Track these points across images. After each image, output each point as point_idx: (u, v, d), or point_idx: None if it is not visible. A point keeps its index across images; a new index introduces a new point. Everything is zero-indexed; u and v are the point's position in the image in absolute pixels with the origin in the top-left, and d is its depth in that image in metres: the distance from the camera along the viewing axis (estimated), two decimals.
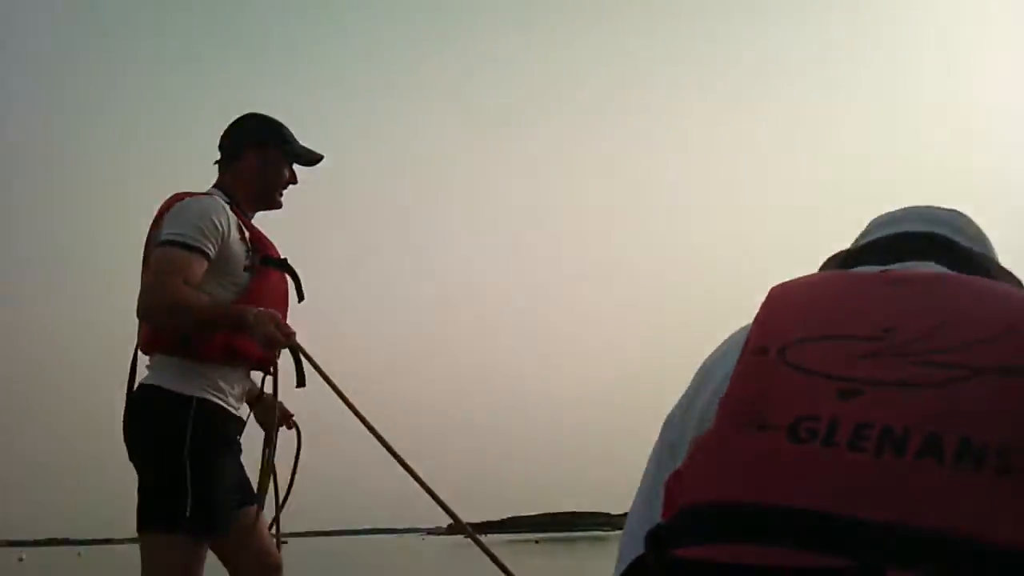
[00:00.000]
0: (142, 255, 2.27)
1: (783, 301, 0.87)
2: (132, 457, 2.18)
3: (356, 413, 2.34)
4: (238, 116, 2.42)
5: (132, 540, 2.34)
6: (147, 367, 2.22)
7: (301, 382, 2.35)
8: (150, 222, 2.29)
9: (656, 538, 0.74)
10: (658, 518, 0.78)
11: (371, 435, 2.35)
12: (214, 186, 2.35)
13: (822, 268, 1.01)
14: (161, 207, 2.25)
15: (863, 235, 1.03)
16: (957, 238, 0.96)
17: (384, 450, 2.34)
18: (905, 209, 1.02)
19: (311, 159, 2.44)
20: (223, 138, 2.39)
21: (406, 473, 2.37)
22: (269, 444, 2.39)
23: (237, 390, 2.25)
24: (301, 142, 2.47)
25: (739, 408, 0.76)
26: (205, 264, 2.14)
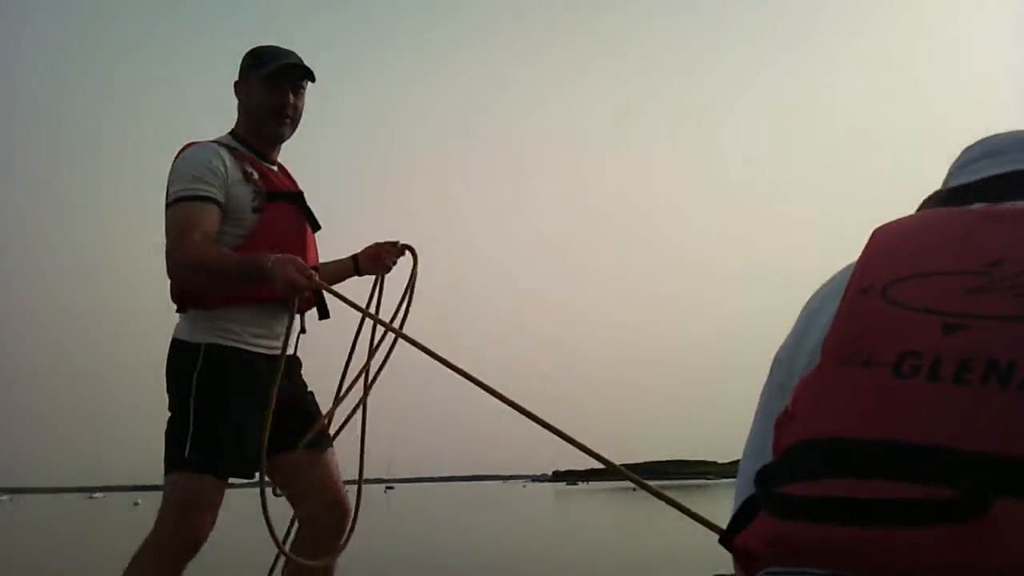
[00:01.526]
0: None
1: (886, 240, 0.85)
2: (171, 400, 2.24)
3: (452, 366, 2.07)
4: None
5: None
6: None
7: (324, 314, 2.36)
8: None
9: (765, 477, 0.75)
10: (770, 457, 0.79)
11: (467, 381, 2.05)
12: (228, 133, 2.32)
13: (920, 208, 0.97)
14: (175, 157, 2.24)
15: (960, 165, 0.97)
16: None
17: (478, 394, 2.01)
18: (1003, 137, 0.95)
19: (280, 69, 2.27)
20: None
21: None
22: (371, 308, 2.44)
23: (257, 328, 2.23)
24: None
25: (843, 346, 0.76)
26: (215, 209, 2.13)
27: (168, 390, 2.23)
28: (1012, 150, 0.93)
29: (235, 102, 2.34)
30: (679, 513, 1.63)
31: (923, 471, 0.65)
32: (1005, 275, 0.74)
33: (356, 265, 2.55)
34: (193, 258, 2.09)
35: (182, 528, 2.10)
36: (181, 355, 2.19)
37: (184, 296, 2.20)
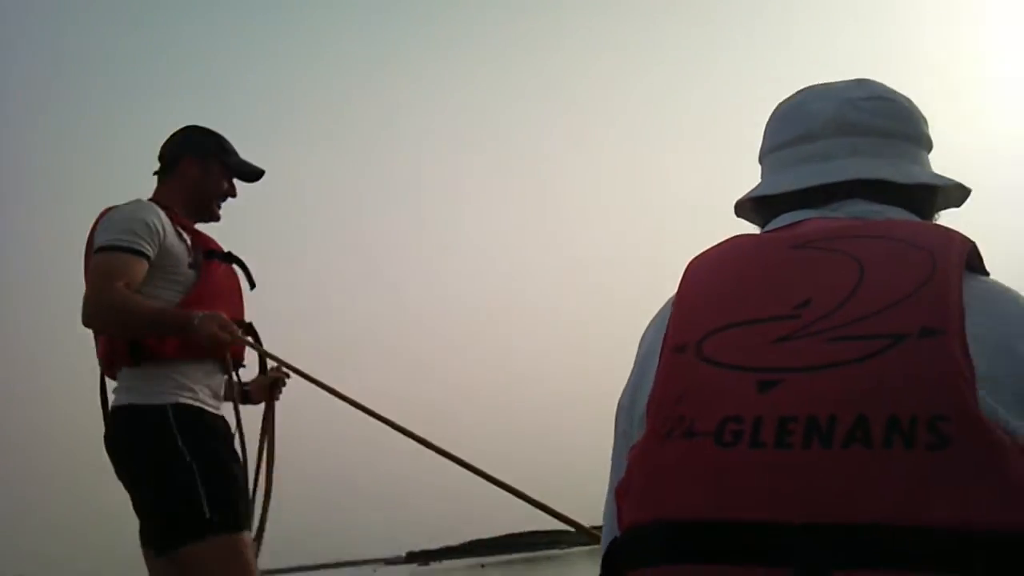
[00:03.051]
0: (83, 271, 2.19)
1: (699, 280, 0.85)
2: (124, 478, 2.13)
3: (360, 405, 2.22)
4: (178, 128, 2.38)
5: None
6: (114, 391, 2.18)
7: (263, 369, 2.39)
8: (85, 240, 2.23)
9: (610, 561, 0.76)
10: (615, 528, 0.79)
11: (379, 424, 2.17)
12: (150, 198, 2.30)
13: (737, 209, 1.00)
14: (92, 225, 2.22)
15: (775, 146, 0.96)
16: (880, 157, 0.90)
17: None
18: (814, 106, 0.93)
19: (252, 172, 2.40)
20: (163, 148, 2.36)
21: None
22: (267, 427, 2.41)
23: (209, 388, 2.19)
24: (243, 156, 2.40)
25: (665, 412, 0.75)
26: (144, 264, 2.09)
27: (135, 463, 2.13)
28: (823, 134, 0.93)
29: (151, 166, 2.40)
30: None
31: (757, 552, 0.65)
32: (813, 317, 0.73)
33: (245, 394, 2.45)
34: (116, 301, 2.04)
35: None
36: (147, 420, 2.11)
37: (136, 348, 2.11)
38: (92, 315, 2.07)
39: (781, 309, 0.75)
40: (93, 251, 2.13)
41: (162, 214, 2.19)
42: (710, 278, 0.85)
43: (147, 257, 2.10)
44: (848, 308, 0.72)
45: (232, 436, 2.23)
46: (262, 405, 2.47)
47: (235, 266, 2.37)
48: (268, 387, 2.43)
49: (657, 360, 0.81)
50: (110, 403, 2.19)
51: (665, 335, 0.81)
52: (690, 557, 0.68)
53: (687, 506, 0.70)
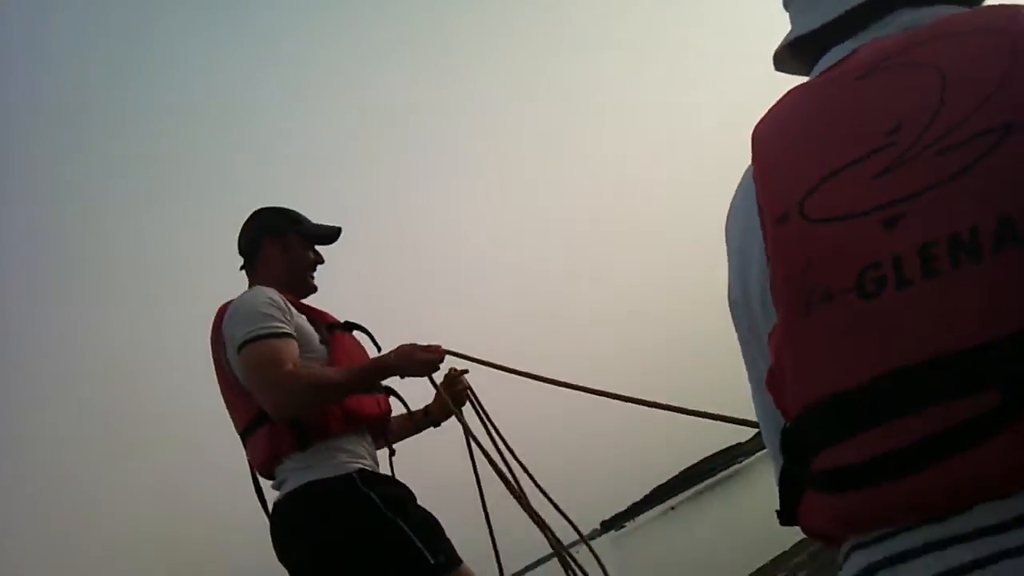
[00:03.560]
0: (217, 378, 2.15)
1: (772, 144, 0.80)
2: (312, 560, 2.01)
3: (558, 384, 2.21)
4: (247, 217, 2.36)
5: None
6: (275, 484, 2.09)
7: (459, 404, 2.32)
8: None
9: (792, 452, 0.72)
10: (780, 419, 0.75)
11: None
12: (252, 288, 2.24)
13: (777, 63, 0.93)
14: (213, 324, 2.16)
15: None
16: None
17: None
18: None
19: (330, 234, 2.38)
20: (240, 241, 2.34)
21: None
22: (469, 432, 2.31)
23: (372, 456, 2.15)
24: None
25: (794, 289, 0.71)
26: (295, 344, 2.04)
27: (334, 532, 1.97)
28: None
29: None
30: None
31: (943, 389, 0.61)
32: (910, 139, 0.68)
33: (428, 415, 2.40)
34: (303, 379, 1.96)
35: None
36: (337, 490, 1.98)
37: (303, 433, 2.00)
38: (286, 403, 1.96)
39: (873, 142, 0.70)
40: (236, 348, 2.02)
41: (280, 297, 2.13)
42: (783, 139, 0.79)
43: (293, 337, 2.05)
44: (943, 117, 0.67)
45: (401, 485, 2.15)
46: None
47: (356, 332, 2.33)
48: (451, 390, 2.31)
49: (760, 240, 0.76)
50: (278, 494, 2.07)
51: (760, 211, 0.76)
52: (879, 418, 0.63)
53: (853, 370, 0.65)
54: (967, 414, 0.60)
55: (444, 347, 2.20)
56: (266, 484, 2.14)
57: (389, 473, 2.18)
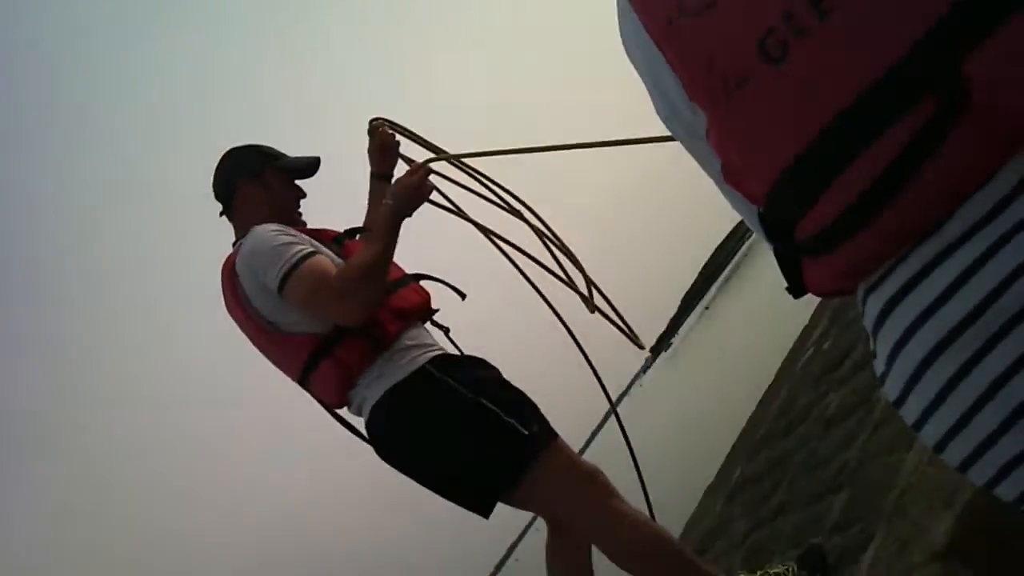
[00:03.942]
0: (252, 341, 2.08)
1: None
2: (412, 461, 2.02)
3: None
4: (219, 160, 2.24)
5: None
6: (355, 409, 2.07)
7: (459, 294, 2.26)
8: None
9: (776, 230, 0.73)
10: (753, 207, 0.76)
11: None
12: (236, 240, 2.15)
13: None
14: (224, 287, 2.08)
15: None
16: None
17: None
18: None
19: (309, 166, 2.26)
20: (214, 187, 2.22)
21: None
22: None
23: (434, 341, 2.11)
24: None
25: (708, 84, 0.71)
26: (324, 256, 2.00)
27: (425, 427, 1.96)
28: None
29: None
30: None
31: (885, 114, 0.61)
32: None
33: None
34: (358, 272, 1.93)
35: (613, 496, 1.92)
36: (416, 386, 1.96)
37: (374, 342, 1.97)
38: (356, 306, 1.93)
39: None
40: (277, 291, 1.94)
41: (280, 225, 2.06)
42: None
43: (319, 251, 2.00)
44: None
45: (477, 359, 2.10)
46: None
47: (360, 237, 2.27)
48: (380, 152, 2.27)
49: (659, 55, 0.76)
50: (364, 416, 2.03)
51: (646, 30, 0.76)
52: (839, 166, 0.63)
53: (798, 133, 0.65)
54: (916, 126, 0.60)
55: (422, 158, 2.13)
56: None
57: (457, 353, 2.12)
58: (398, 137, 2.35)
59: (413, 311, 2.09)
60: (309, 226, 2.22)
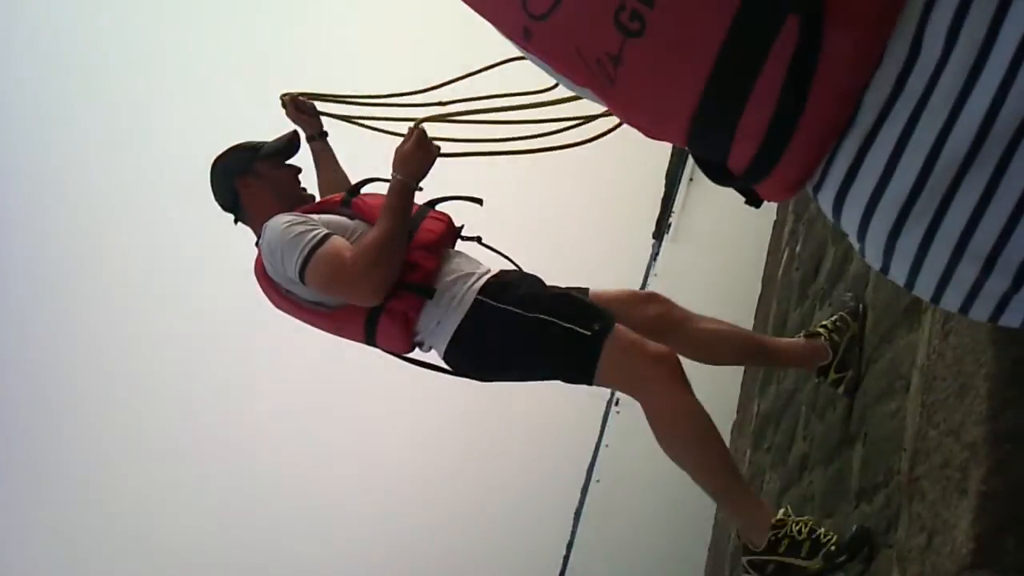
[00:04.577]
0: (313, 326, 2.15)
1: None
2: (505, 377, 2.14)
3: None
4: (210, 175, 2.29)
5: None
6: (427, 348, 2.14)
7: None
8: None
9: (711, 172, 0.75)
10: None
11: None
12: (257, 239, 2.15)
13: None
14: (260, 283, 2.14)
15: None
16: None
17: None
18: None
19: (288, 143, 2.31)
20: (216, 198, 2.29)
21: None
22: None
23: (473, 264, 2.14)
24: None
25: (589, 74, 0.73)
26: (338, 237, 2.01)
27: (502, 353, 2.04)
28: None
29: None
30: None
31: (760, 35, 0.63)
32: None
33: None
34: (370, 252, 1.94)
35: (667, 358, 1.96)
36: (477, 321, 2.02)
37: (421, 290, 2.02)
38: (373, 288, 1.95)
39: None
40: (300, 282, 1.99)
41: (290, 214, 2.07)
42: None
43: (332, 233, 2.01)
44: None
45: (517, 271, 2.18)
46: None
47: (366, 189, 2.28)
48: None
49: (537, 58, 0.78)
50: (440, 355, 2.11)
51: (514, 42, 0.78)
52: (739, 97, 0.66)
53: (685, 91, 0.68)
54: (790, 43, 0.61)
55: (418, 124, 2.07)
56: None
57: (498, 269, 2.15)
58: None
59: (441, 240, 2.13)
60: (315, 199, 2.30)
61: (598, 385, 2.01)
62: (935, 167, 0.62)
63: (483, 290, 2.04)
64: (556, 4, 0.70)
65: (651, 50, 0.67)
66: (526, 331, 1.99)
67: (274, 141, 2.30)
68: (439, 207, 2.22)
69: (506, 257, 2.22)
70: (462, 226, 2.22)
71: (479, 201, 2.26)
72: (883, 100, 0.63)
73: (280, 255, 2.00)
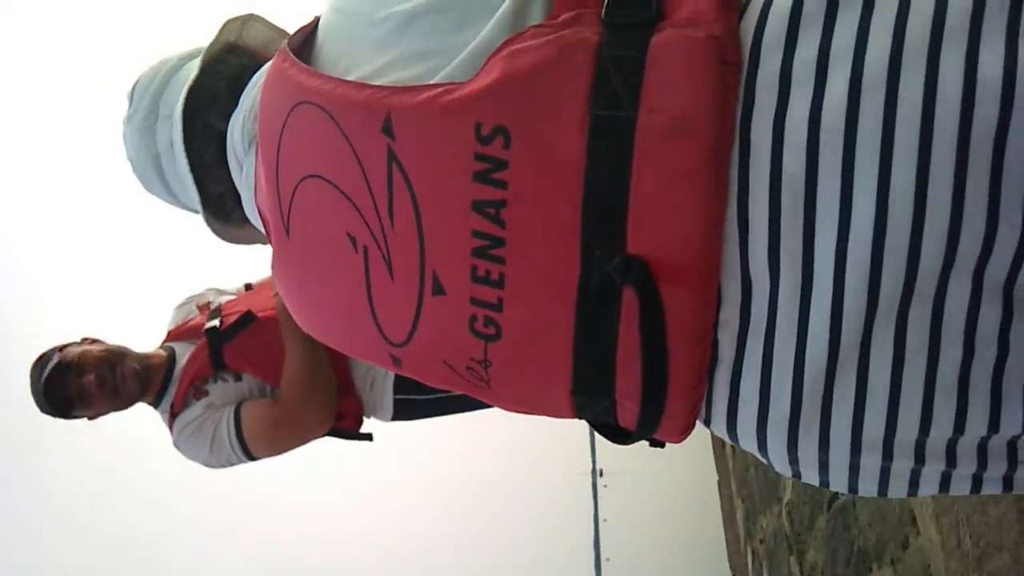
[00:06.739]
0: None
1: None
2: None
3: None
4: None
5: None
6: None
7: None
8: None
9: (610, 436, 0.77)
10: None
11: None
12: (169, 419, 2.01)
13: None
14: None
15: None
16: None
17: None
18: None
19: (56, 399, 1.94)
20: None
21: None
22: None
23: (374, 370, 2.02)
24: None
25: (463, 383, 0.77)
26: (249, 405, 1.94)
27: (435, 413, 2.10)
28: None
29: None
30: None
31: (606, 303, 0.65)
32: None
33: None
34: (297, 396, 1.89)
35: None
36: (408, 413, 2.06)
37: (355, 427, 2.05)
38: (318, 419, 1.91)
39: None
40: (248, 456, 1.93)
41: (184, 418, 1.96)
42: None
43: (221, 406, 1.95)
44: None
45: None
46: None
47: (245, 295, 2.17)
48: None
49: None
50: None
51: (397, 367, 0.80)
52: (607, 372, 0.68)
53: (556, 372, 0.70)
54: (638, 307, 0.63)
55: None
56: None
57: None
58: None
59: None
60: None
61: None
62: (804, 383, 0.64)
63: (397, 387, 2.01)
64: (413, 329, 0.73)
65: (513, 348, 0.69)
66: (456, 399, 1.98)
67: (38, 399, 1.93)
68: None
69: None
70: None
71: None
72: (736, 334, 0.65)
73: (216, 456, 1.88)
